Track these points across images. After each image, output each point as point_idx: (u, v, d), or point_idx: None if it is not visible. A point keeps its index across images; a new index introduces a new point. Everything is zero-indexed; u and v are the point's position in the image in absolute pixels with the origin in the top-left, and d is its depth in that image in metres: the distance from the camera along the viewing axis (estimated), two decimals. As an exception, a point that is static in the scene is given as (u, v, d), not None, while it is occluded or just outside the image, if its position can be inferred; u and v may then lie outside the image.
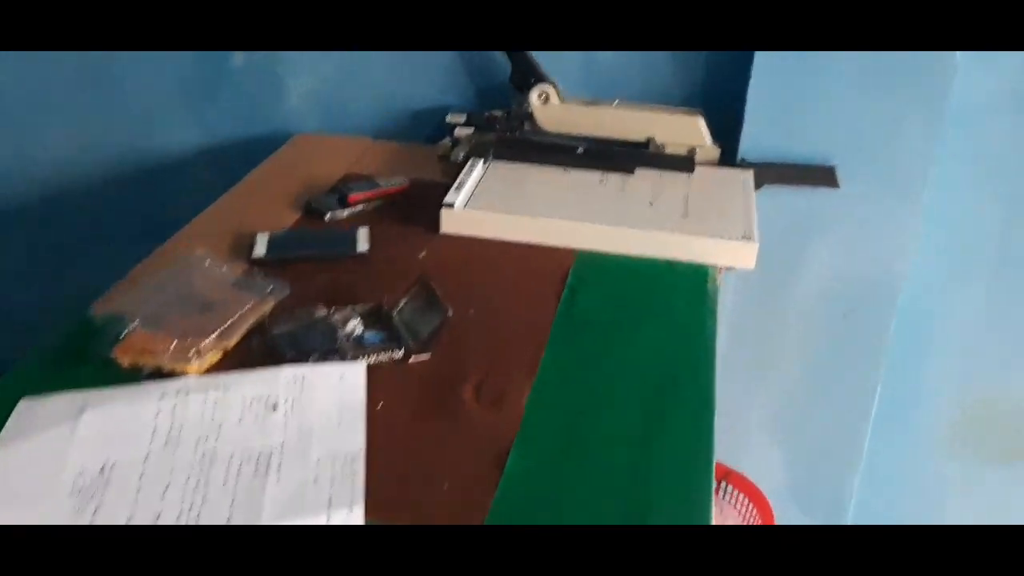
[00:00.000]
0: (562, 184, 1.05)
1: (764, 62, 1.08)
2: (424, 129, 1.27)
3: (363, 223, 1.00)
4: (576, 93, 1.20)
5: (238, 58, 1.29)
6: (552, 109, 1.16)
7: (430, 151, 1.20)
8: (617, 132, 1.16)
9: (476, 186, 1.03)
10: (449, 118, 1.21)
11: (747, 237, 0.94)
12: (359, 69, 1.27)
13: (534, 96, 1.16)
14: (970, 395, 1.29)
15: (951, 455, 1.33)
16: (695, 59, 1.18)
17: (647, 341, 0.81)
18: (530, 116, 1.18)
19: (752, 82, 1.09)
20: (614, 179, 1.07)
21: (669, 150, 1.15)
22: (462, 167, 1.08)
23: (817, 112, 1.09)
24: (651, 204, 1.01)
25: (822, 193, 1.11)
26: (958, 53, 1.03)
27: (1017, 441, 1.29)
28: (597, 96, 1.20)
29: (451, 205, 0.98)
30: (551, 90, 1.16)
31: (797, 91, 1.08)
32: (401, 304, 0.82)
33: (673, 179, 1.08)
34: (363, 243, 0.95)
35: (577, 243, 0.96)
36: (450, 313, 0.78)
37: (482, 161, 1.09)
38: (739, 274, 1.03)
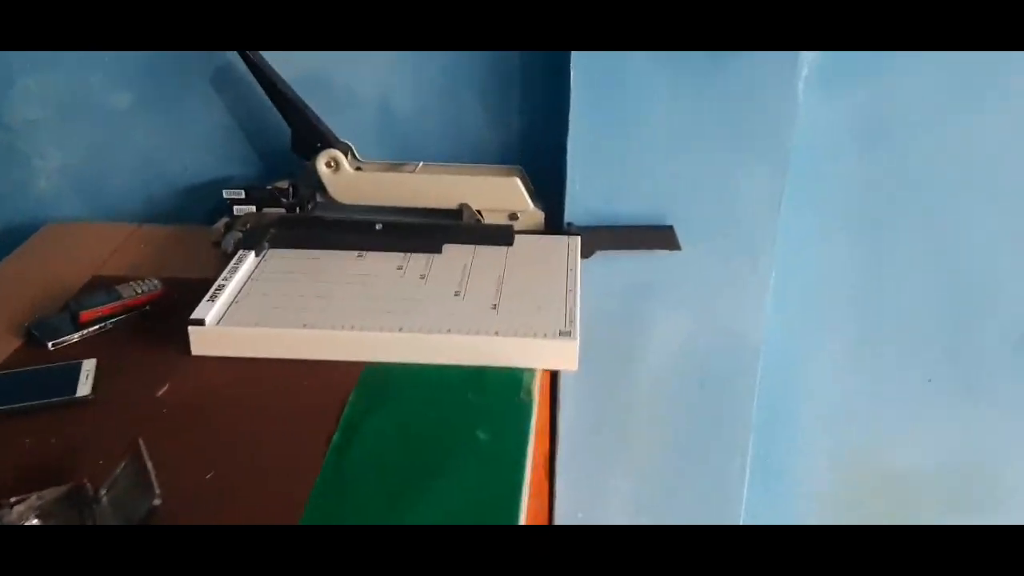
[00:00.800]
0: (353, 275, 0.87)
1: (583, 107, 0.92)
2: (202, 207, 1.07)
3: (97, 350, 0.80)
4: (374, 155, 1.02)
5: (-34, 135, 1.07)
6: (345, 178, 0.98)
7: (206, 235, 1.00)
8: (424, 200, 0.98)
9: (240, 290, 0.83)
10: (226, 194, 1.01)
11: (566, 333, 0.78)
12: (118, 139, 1.06)
13: (321, 164, 0.98)
14: (843, 459, 1.16)
15: (829, 523, 1.20)
16: (508, 108, 1.01)
17: (434, 507, 0.64)
18: (321, 187, 1.00)
19: (571, 131, 0.93)
20: (417, 262, 0.89)
21: (488, 218, 0.98)
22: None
23: (648, 165, 0.94)
24: (457, 294, 0.84)
25: (662, 256, 0.96)
26: (800, 88, 0.90)
27: (894, 503, 1.18)
28: (400, 158, 1.03)
29: (201, 322, 0.78)
30: (341, 156, 0.98)
31: (623, 140, 0.93)
32: (111, 480, 0.63)
33: (489, 255, 0.91)
34: (85, 383, 0.74)
35: (364, 355, 0.78)
36: (157, 501, 0.58)
37: (253, 253, 0.90)
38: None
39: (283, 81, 0.97)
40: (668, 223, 0.95)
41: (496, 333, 0.78)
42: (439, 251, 0.91)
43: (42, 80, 1.04)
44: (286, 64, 0.97)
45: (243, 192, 1.01)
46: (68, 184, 1.08)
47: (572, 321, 0.79)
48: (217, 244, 0.98)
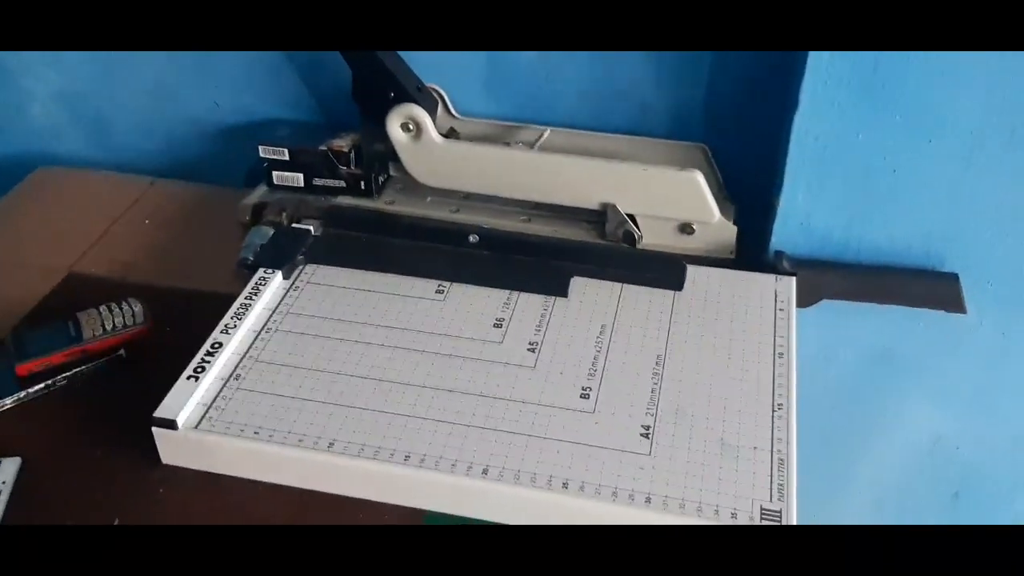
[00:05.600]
0: (423, 336, 0.54)
1: (826, 59, 0.54)
2: (239, 161, 0.75)
3: (33, 431, 0.53)
4: (479, 110, 0.68)
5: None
6: (429, 149, 0.64)
7: (239, 209, 0.70)
8: (547, 192, 0.63)
9: (243, 358, 0.53)
10: (263, 151, 0.69)
11: (773, 514, 0.44)
12: (125, 59, 0.75)
13: (394, 125, 0.64)
14: None
15: None
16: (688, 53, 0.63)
17: None
18: (395, 155, 0.67)
19: (805, 94, 0.55)
20: (528, 313, 0.55)
21: (647, 229, 0.63)
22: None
23: (929, 171, 0.55)
24: (585, 394, 0.50)
25: (925, 317, 0.59)
26: None
27: None
28: (518, 117, 0.67)
29: (171, 424, 0.49)
30: (424, 116, 0.63)
31: (893, 123, 0.55)
32: None
33: (643, 305, 0.56)
34: (-8, 509, 0.48)
35: (425, 503, 0.48)
36: None
37: (281, 275, 0.59)
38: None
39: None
40: (948, 269, 0.58)
41: (647, 500, 0.45)
42: (564, 293, 0.57)
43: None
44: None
45: (286, 152, 0.69)
46: (67, 114, 0.79)
47: (786, 488, 0.45)
48: (245, 226, 0.68)
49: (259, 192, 0.69)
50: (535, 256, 0.60)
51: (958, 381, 0.62)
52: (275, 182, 0.69)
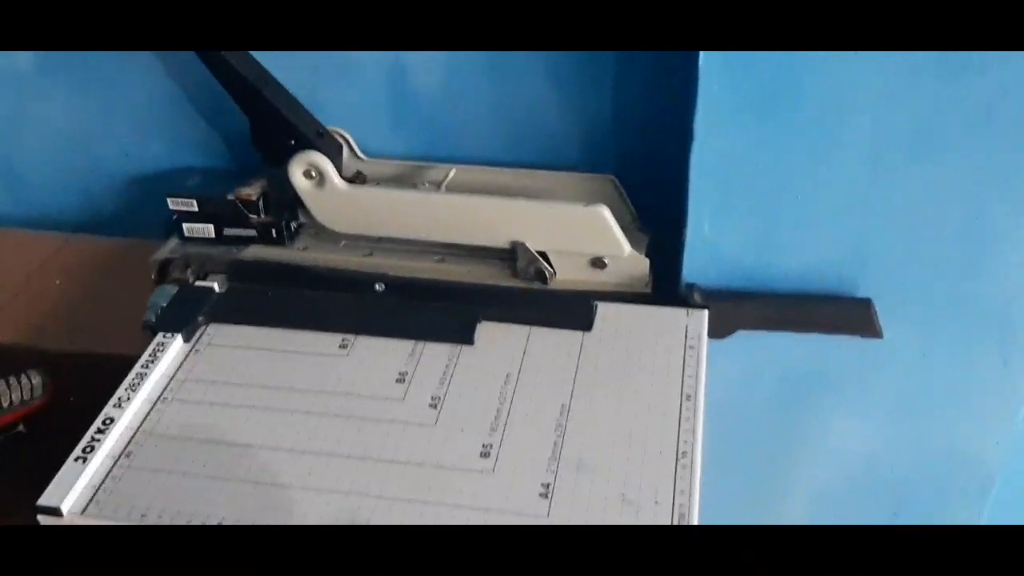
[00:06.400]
0: (325, 397, 0.52)
1: (719, 88, 0.52)
2: (155, 211, 0.73)
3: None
4: (386, 148, 0.66)
5: None
6: (333, 196, 0.62)
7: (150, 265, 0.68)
8: (455, 232, 0.62)
9: (135, 433, 0.51)
10: (172, 204, 0.68)
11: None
12: (26, 108, 0.73)
13: (297, 173, 0.62)
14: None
15: None
16: (591, 81, 0.62)
17: None
18: (301, 203, 0.65)
19: (699, 127, 0.53)
20: (433, 363, 0.54)
21: (559, 264, 0.61)
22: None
23: (834, 195, 0.54)
24: (485, 452, 0.49)
25: (844, 341, 0.58)
26: None
27: None
28: (426, 153, 0.66)
29: (56, 511, 0.48)
30: (325, 164, 0.62)
31: (791, 149, 0.53)
32: None
33: (552, 348, 0.55)
34: None
35: None
36: None
37: (181, 338, 0.57)
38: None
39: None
40: (862, 294, 0.56)
41: (542, 566, 0.44)
42: (470, 340, 0.56)
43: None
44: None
45: (195, 202, 0.67)
46: (-19, 169, 0.78)
47: (690, 501, 0.44)
48: (156, 283, 0.66)
49: (170, 246, 0.68)
50: (442, 301, 0.58)
51: (884, 401, 0.60)
52: (186, 234, 0.68)
